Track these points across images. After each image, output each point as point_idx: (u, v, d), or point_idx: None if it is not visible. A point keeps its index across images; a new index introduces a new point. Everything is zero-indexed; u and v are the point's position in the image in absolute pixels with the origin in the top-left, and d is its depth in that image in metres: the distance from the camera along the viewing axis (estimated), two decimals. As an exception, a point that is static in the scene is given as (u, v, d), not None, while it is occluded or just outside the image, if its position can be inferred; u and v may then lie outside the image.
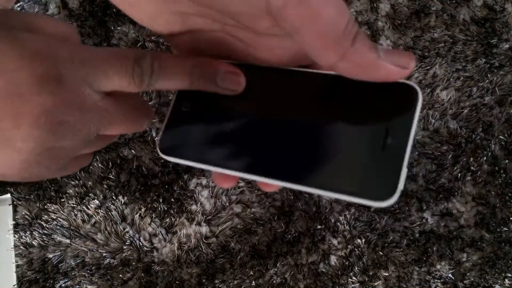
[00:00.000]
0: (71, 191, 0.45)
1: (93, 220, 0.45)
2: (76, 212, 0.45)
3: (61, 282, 0.44)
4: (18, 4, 0.45)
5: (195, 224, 0.45)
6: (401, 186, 0.24)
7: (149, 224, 0.45)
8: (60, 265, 0.45)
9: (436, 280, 0.43)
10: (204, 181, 0.45)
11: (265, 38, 0.27)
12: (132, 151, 0.46)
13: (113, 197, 0.45)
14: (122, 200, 0.45)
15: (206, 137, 0.30)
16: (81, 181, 0.45)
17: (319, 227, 0.44)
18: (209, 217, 0.45)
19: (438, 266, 0.43)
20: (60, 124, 0.25)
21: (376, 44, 0.23)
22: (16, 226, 0.45)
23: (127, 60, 0.26)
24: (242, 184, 0.45)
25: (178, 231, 0.45)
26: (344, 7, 0.22)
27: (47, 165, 0.27)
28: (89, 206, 0.45)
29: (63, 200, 0.45)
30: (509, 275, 0.43)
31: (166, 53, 0.27)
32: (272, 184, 0.30)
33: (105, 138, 0.30)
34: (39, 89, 0.24)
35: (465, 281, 0.43)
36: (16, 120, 0.24)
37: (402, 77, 0.23)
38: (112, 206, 0.45)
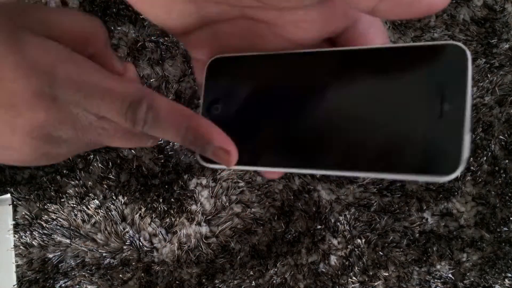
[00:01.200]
0: (71, 191, 0.45)
1: (93, 220, 0.45)
2: (76, 212, 0.45)
3: (61, 282, 0.44)
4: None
5: (195, 224, 0.45)
6: (466, 154, 0.23)
7: (149, 224, 0.45)
8: (60, 265, 0.45)
9: (436, 280, 0.43)
10: (204, 181, 0.45)
11: (289, 13, 0.25)
12: (132, 151, 0.46)
13: (113, 197, 0.45)
14: (122, 200, 0.45)
15: (244, 137, 0.28)
16: (81, 181, 0.45)
17: (319, 227, 0.44)
18: (209, 217, 0.45)
19: (438, 266, 0.43)
20: (53, 137, 0.25)
21: None
22: (16, 226, 0.45)
23: (122, 104, 0.25)
24: (242, 184, 0.45)
25: (178, 231, 0.45)
26: None
27: (46, 163, 0.27)
28: (89, 206, 0.45)
29: (63, 200, 0.45)
30: (509, 275, 0.43)
31: (164, 100, 0.26)
32: (329, 174, 0.29)
33: None
34: (33, 105, 0.24)
35: (465, 281, 0.43)
36: (11, 129, 0.24)
37: (444, 6, 0.21)
38: (112, 206, 0.45)
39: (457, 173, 0.23)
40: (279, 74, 0.28)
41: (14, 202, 0.45)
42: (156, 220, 0.45)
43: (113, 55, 0.31)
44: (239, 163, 0.28)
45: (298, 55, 0.28)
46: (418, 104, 0.25)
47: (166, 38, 0.46)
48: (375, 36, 0.28)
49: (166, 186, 0.45)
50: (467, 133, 0.23)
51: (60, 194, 0.45)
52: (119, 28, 0.47)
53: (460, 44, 0.24)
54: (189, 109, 0.27)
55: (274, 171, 0.30)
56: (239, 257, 0.44)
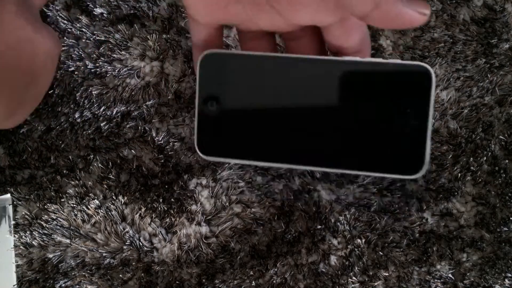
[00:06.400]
0: (71, 191, 0.45)
1: (93, 220, 0.45)
2: (76, 212, 0.45)
3: (61, 282, 0.44)
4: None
5: (195, 224, 0.45)
6: (427, 158, 0.28)
7: (149, 224, 0.45)
8: (60, 265, 0.45)
9: (436, 280, 0.43)
10: (204, 181, 0.45)
11: None
12: (132, 151, 0.46)
13: (113, 197, 0.45)
14: (122, 200, 0.45)
15: (241, 133, 0.31)
16: (81, 181, 0.45)
17: (319, 227, 0.44)
18: (209, 217, 0.45)
19: (438, 266, 0.43)
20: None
21: None
22: (16, 226, 0.45)
23: None
24: (242, 184, 0.45)
25: (178, 231, 0.45)
26: None
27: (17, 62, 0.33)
28: (89, 206, 0.45)
29: (63, 200, 0.45)
30: (509, 275, 0.43)
31: None
32: (316, 170, 0.32)
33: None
34: None
35: (465, 281, 0.43)
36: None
37: (422, 23, 0.25)
38: (112, 206, 0.45)
39: (421, 173, 0.28)
40: (269, 74, 0.30)
41: (14, 202, 0.45)
42: (156, 220, 0.45)
43: None
44: (233, 156, 0.31)
45: (286, 59, 0.30)
46: (390, 118, 0.29)
47: (168, 36, 0.46)
48: (357, 38, 0.30)
49: (166, 186, 0.45)
50: (428, 141, 0.28)
51: (60, 194, 0.45)
52: (119, 28, 0.47)
53: (426, 65, 0.28)
54: None
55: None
56: (239, 257, 0.44)
